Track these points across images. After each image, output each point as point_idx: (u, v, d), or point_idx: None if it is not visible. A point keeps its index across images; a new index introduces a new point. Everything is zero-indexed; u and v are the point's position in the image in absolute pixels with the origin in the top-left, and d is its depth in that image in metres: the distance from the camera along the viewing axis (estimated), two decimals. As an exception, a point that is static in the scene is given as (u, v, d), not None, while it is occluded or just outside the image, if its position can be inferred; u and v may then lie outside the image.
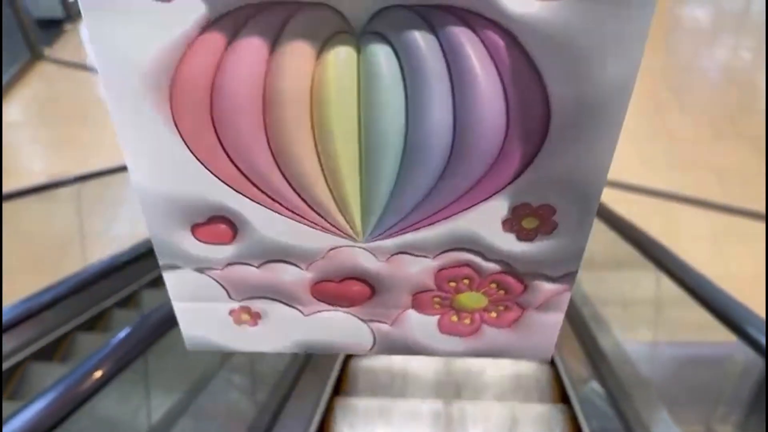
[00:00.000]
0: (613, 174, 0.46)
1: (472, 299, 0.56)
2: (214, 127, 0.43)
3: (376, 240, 0.51)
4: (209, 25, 0.39)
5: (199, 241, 0.52)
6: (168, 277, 0.55)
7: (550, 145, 0.43)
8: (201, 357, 1.84)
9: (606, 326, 2.10)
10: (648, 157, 3.81)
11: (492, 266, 0.53)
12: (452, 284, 0.55)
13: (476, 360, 2.17)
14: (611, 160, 0.44)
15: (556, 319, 0.58)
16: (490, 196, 0.47)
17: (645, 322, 2.20)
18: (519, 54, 0.39)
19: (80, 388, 0.99)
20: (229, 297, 0.58)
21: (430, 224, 0.49)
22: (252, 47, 0.39)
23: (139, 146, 0.45)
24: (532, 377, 2.18)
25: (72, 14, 5.17)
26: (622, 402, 1.71)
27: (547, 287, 0.54)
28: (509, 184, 0.46)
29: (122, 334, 1.14)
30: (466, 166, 0.44)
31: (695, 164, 3.72)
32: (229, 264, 0.54)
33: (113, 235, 3.26)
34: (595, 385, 1.87)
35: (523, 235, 0.50)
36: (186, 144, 0.44)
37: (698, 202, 3.48)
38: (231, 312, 0.59)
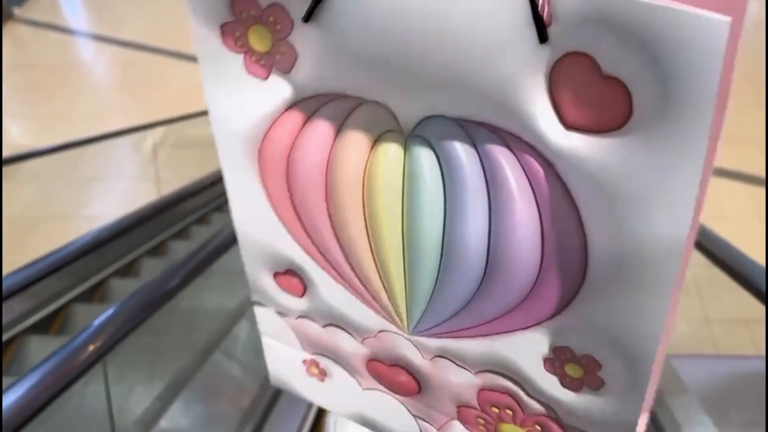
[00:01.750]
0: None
1: None
2: (290, 195, 0.48)
3: (420, 335, 0.50)
4: (293, 104, 0.45)
5: (279, 287, 0.57)
6: (257, 311, 0.62)
7: (589, 290, 0.39)
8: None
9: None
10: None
11: (535, 405, 0.48)
12: (495, 410, 0.51)
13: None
14: (661, 328, 0.38)
15: None
16: (527, 328, 0.43)
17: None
18: (558, 186, 0.37)
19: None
20: (302, 347, 0.62)
21: (469, 336, 0.47)
22: (322, 129, 0.44)
23: (240, 197, 0.52)
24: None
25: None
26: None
27: None
28: (547, 320, 0.42)
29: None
30: (500, 288, 0.42)
31: (738, 135, 3.15)
32: (300, 317, 0.58)
33: (88, 215, 2.88)
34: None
35: (567, 383, 0.45)
36: (271, 205, 0.51)
37: (743, 176, 3.22)
38: (304, 361, 0.63)
